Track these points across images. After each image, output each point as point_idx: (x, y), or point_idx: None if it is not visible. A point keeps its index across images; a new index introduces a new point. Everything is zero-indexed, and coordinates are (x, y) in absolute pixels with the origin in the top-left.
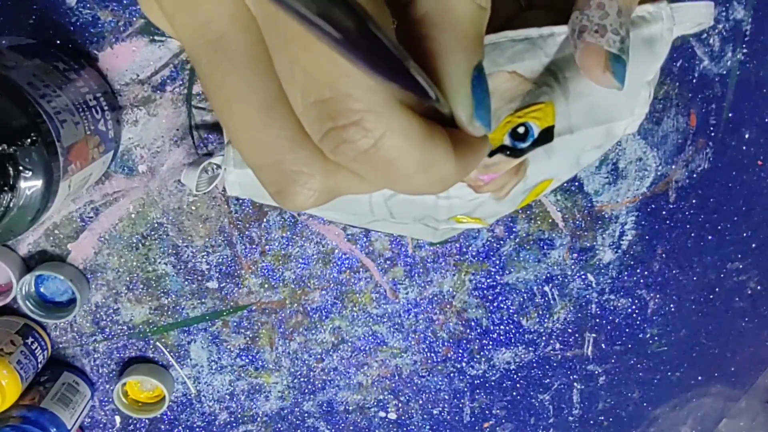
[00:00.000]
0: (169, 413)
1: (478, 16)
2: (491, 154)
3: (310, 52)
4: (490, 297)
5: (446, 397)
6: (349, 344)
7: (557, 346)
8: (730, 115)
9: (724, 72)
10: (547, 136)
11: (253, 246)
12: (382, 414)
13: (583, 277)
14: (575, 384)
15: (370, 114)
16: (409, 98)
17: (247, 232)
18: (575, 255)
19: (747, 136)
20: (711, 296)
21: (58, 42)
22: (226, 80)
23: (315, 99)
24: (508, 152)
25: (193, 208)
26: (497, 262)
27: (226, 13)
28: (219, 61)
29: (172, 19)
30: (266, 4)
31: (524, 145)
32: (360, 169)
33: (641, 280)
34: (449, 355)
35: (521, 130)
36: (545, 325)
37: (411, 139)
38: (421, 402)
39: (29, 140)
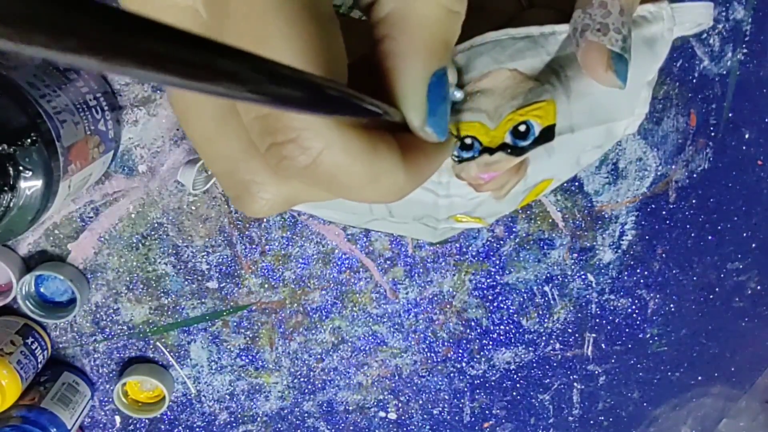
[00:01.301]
0: (169, 413)
1: (444, 21)
2: (492, 151)
3: None
4: (490, 297)
5: (446, 397)
6: (349, 344)
7: (557, 346)
8: (730, 115)
9: (724, 72)
10: (548, 134)
11: (253, 246)
12: (382, 414)
13: (583, 277)
14: (575, 384)
15: (308, 131)
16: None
17: (247, 232)
18: (575, 255)
19: (747, 136)
20: (711, 296)
21: None
22: (185, 92)
23: (255, 115)
24: (509, 150)
25: (193, 208)
26: (497, 262)
27: (186, 26)
28: None
29: None
30: (211, 23)
31: (525, 144)
32: (305, 181)
33: (641, 280)
34: (449, 355)
35: (522, 128)
36: (545, 325)
37: (351, 154)
38: (421, 402)
39: (29, 140)
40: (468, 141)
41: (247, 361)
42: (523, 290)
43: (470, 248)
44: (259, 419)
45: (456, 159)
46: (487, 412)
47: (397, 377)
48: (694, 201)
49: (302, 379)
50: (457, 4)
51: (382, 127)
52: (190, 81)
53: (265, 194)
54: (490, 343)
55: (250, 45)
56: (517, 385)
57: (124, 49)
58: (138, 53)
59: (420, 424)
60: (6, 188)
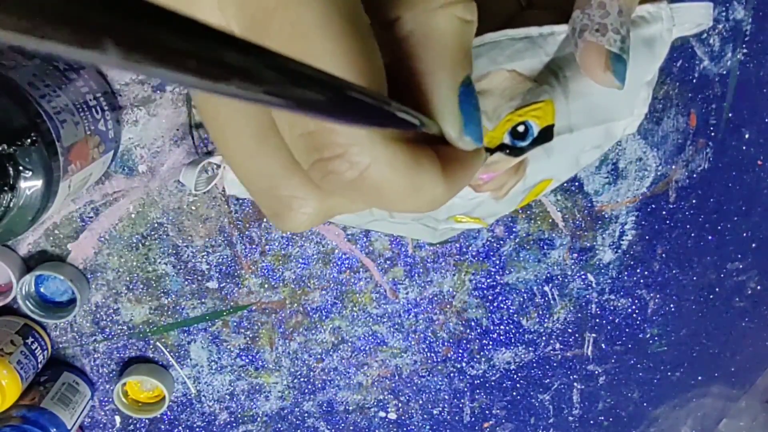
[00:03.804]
0: (169, 413)
1: (462, 31)
2: (491, 152)
3: None
4: (490, 297)
5: (446, 397)
6: (349, 344)
7: (557, 346)
8: (730, 115)
9: (724, 72)
10: (546, 135)
11: (253, 246)
12: (382, 414)
13: (583, 277)
14: (575, 384)
15: (355, 147)
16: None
17: (247, 232)
18: (575, 255)
19: (747, 136)
20: (711, 296)
21: None
22: (220, 110)
23: (301, 132)
24: (507, 151)
25: (193, 208)
26: (497, 262)
27: None
28: (215, 99)
29: None
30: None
31: (524, 144)
32: (349, 195)
33: (641, 280)
34: (449, 355)
35: (521, 128)
36: (545, 325)
37: (396, 167)
38: (421, 402)
39: (29, 140)
40: None
41: (247, 361)
42: (523, 290)
43: (470, 248)
44: (259, 419)
45: None
46: (487, 412)
47: (397, 377)
48: (694, 201)
49: (302, 379)
50: (469, 14)
51: (421, 140)
52: (193, 77)
53: (306, 209)
54: (490, 343)
55: None
56: (517, 385)
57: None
58: (129, 42)
59: (420, 424)
60: (6, 188)
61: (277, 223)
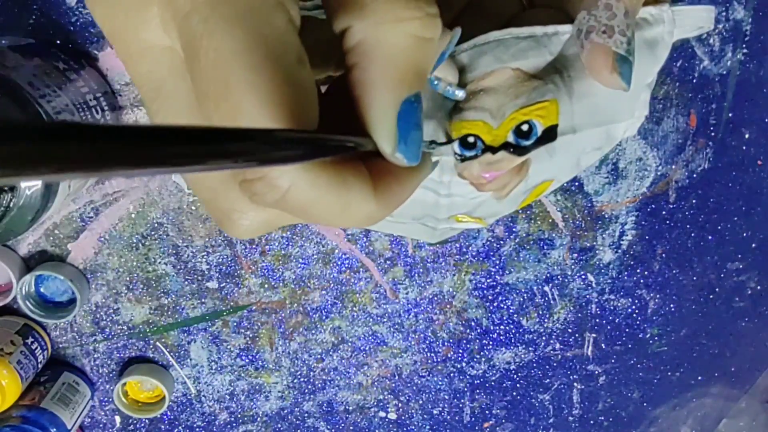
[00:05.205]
0: (169, 413)
1: (414, 49)
2: (495, 150)
3: (221, 112)
4: (490, 297)
5: (446, 397)
6: (349, 344)
7: (557, 346)
8: (730, 115)
9: (724, 72)
10: (550, 134)
11: (253, 246)
12: (382, 414)
13: (583, 277)
14: (575, 384)
15: (274, 171)
16: None
17: None
18: (575, 255)
19: (747, 136)
20: (711, 296)
21: (58, 42)
22: (165, 123)
23: None
24: (511, 149)
25: (193, 208)
26: (497, 262)
27: (166, 65)
28: (159, 107)
29: (125, 65)
30: (190, 66)
31: (528, 143)
32: (280, 210)
33: (641, 280)
34: (449, 355)
35: (525, 127)
36: (545, 325)
37: (319, 188)
38: (421, 402)
39: None
40: (471, 139)
41: (247, 361)
42: (523, 290)
43: (470, 248)
44: (259, 419)
45: (458, 157)
46: (487, 412)
47: (397, 377)
48: (694, 201)
49: (302, 379)
50: (428, 32)
51: (356, 155)
52: (206, 166)
53: (245, 221)
54: (490, 343)
55: (219, 89)
56: (517, 385)
57: (150, 159)
58: (155, 158)
59: (420, 424)
60: (6, 188)
61: (223, 230)
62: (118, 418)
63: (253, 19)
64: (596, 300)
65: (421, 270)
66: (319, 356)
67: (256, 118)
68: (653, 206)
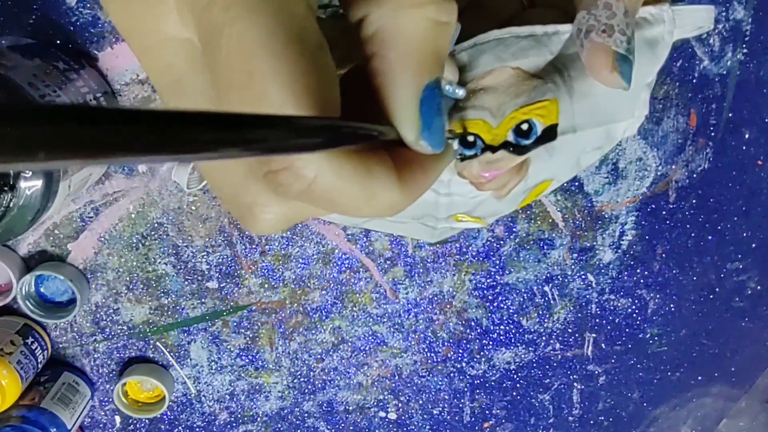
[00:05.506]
0: (169, 413)
1: (433, 33)
2: (495, 149)
3: (244, 101)
4: (490, 297)
5: (446, 397)
6: (349, 344)
7: (557, 346)
8: (730, 115)
9: (724, 72)
10: (550, 134)
11: (253, 246)
12: (382, 414)
13: (583, 277)
14: (575, 384)
15: (300, 160)
16: None
17: (247, 232)
18: (575, 255)
19: (747, 136)
20: (711, 296)
21: (58, 42)
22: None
23: None
24: (511, 149)
25: (193, 208)
26: (497, 262)
27: (183, 59)
28: (178, 101)
29: (140, 60)
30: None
31: (527, 142)
32: (305, 202)
33: (641, 280)
34: (449, 355)
35: (525, 126)
36: (545, 325)
37: (344, 177)
38: (421, 402)
39: None
40: (470, 138)
41: (247, 361)
42: (523, 290)
43: (470, 248)
44: (259, 419)
45: (458, 156)
46: (487, 412)
47: (397, 377)
48: (694, 201)
49: (302, 379)
50: (445, 15)
51: (379, 144)
52: (231, 153)
53: (268, 215)
54: (490, 343)
55: (242, 78)
56: (517, 385)
57: (181, 144)
58: (180, 143)
59: (420, 424)
60: (6, 188)
61: (244, 226)
62: (118, 418)
63: (274, 6)
64: (596, 300)
65: (421, 270)
66: (319, 356)
67: (281, 106)
68: (653, 206)
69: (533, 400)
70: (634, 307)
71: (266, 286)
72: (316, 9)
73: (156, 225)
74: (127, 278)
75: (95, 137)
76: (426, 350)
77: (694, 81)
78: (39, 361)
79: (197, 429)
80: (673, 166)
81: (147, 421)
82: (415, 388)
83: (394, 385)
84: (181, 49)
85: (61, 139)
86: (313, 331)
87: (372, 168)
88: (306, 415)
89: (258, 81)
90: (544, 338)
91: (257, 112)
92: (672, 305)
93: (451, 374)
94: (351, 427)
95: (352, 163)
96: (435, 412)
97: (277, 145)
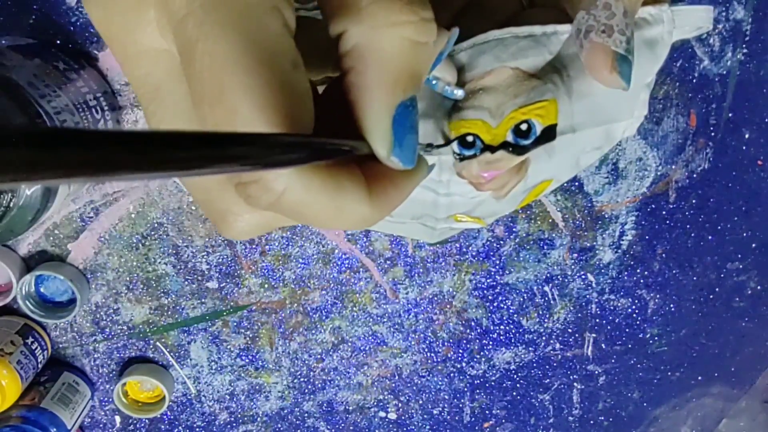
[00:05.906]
0: (169, 413)
1: (409, 53)
2: (494, 149)
3: (216, 115)
4: (490, 297)
5: (446, 397)
6: (349, 344)
7: (557, 346)
8: (730, 115)
9: (724, 72)
10: (549, 134)
11: (253, 246)
12: (382, 414)
13: (583, 277)
14: (575, 384)
15: (271, 173)
16: None
17: None
18: (575, 255)
19: (747, 136)
20: (711, 296)
21: (59, 42)
22: (161, 126)
23: None
24: (510, 149)
25: (193, 208)
26: (497, 262)
27: (162, 68)
28: (155, 109)
29: (121, 67)
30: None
31: (527, 143)
32: (275, 213)
33: (641, 280)
34: (449, 355)
35: (524, 126)
36: (545, 325)
37: (313, 191)
38: (421, 402)
39: None
40: (470, 138)
41: (247, 361)
42: (523, 290)
43: (470, 248)
44: (259, 419)
45: (457, 157)
46: (487, 412)
47: (397, 377)
48: (694, 201)
49: (302, 379)
50: (424, 35)
51: (352, 158)
52: (208, 170)
53: (240, 222)
54: (490, 343)
55: (214, 93)
56: (517, 385)
57: (159, 163)
58: (164, 163)
59: (420, 424)
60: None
61: (219, 230)
62: (118, 418)
63: (247, 23)
64: (596, 300)
65: (421, 270)
66: (319, 356)
67: (251, 122)
68: (653, 206)
69: (533, 400)
70: (634, 307)
71: (266, 286)
72: (293, 27)
73: (156, 225)
74: (127, 278)
75: (75, 158)
76: (426, 350)
77: (694, 81)
78: (39, 361)
79: (197, 429)
80: (673, 166)
81: (147, 421)
82: (415, 388)
83: (394, 385)
84: (161, 59)
85: (48, 162)
86: (313, 331)
87: (342, 182)
88: (306, 415)
89: (228, 96)
90: (544, 338)
91: (229, 126)
92: (672, 305)
93: (451, 374)
94: (351, 427)
95: (321, 177)
96: (435, 412)
97: (252, 162)
